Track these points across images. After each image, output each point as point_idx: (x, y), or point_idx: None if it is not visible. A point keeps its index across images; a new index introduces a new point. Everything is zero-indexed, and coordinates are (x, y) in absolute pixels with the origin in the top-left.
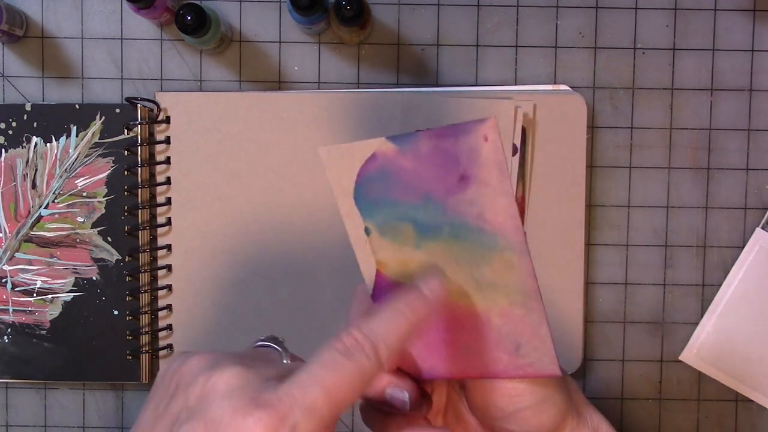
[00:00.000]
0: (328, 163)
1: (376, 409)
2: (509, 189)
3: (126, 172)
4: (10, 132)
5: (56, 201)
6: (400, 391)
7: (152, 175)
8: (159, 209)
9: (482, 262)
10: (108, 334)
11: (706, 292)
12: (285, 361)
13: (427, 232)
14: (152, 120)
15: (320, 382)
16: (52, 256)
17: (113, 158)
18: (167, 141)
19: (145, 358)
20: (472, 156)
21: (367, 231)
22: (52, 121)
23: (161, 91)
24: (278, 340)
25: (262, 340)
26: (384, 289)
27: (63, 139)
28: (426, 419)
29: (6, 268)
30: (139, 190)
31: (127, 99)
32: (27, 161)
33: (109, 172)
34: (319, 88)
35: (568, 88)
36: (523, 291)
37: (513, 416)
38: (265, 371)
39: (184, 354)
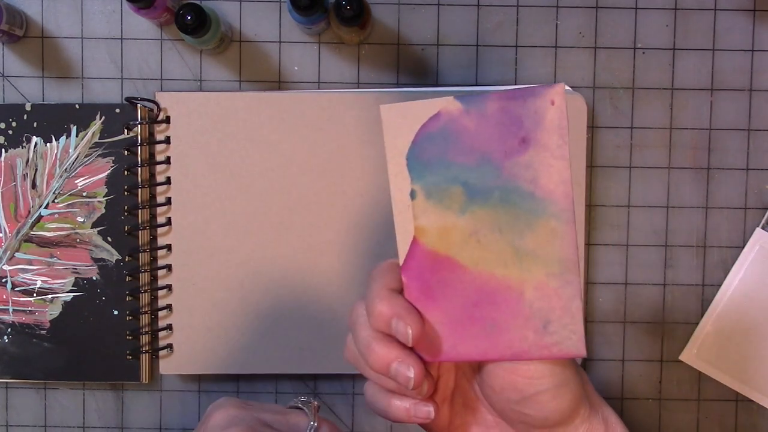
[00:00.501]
0: (387, 121)
1: (380, 387)
2: (566, 155)
3: (126, 172)
4: (10, 132)
5: (56, 201)
6: (406, 367)
7: (152, 175)
8: (159, 209)
9: (526, 229)
10: (108, 334)
11: (706, 292)
12: (312, 423)
13: (477, 195)
14: (152, 120)
15: None
16: (52, 256)
17: (113, 158)
18: (167, 141)
19: (145, 358)
20: (537, 119)
21: (412, 194)
22: (52, 121)
23: (161, 91)
24: (310, 404)
25: (300, 401)
26: (418, 258)
27: (63, 139)
28: (432, 399)
29: (6, 268)
30: (139, 190)
31: (127, 99)
32: (27, 161)
33: (109, 172)
34: (319, 88)
35: (568, 88)
36: (563, 261)
37: (531, 399)
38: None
39: (222, 401)
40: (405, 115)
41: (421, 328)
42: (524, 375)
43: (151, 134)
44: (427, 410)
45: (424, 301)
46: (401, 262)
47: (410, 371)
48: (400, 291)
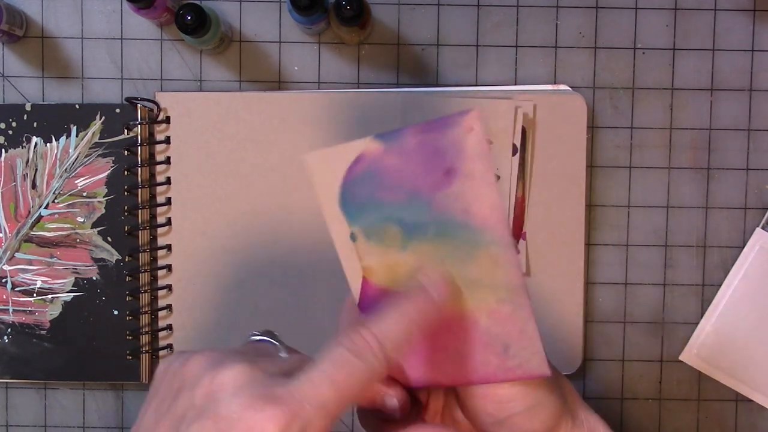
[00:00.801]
0: (314, 169)
1: (371, 412)
2: (493, 180)
3: (126, 172)
4: (10, 132)
5: (56, 201)
6: (390, 398)
7: (152, 175)
8: (159, 209)
9: (469, 260)
10: (108, 334)
11: (706, 292)
12: (282, 355)
13: (414, 231)
14: (152, 120)
15: (331, 380)
16: (52, 256)
17: (113, 158)
18: (167, 141)
19: (145, 358)
20: (457, 148)
21: (353, 237)
22: (52, 121)
23: (161, 91)
24: (273, 334)
25: (258, 334)
26: (371, 296)
27: (63, 139)
28: (422, 420)
29: (6, 268)
30: (139, 190)
31: (127, 99)
32: (27, 161)
33: (109, 172)
34: (319, 88)
35: (568, 88)
36: (510, 287)
37: (504, 422)
38: (269, 366)
39: (184, 353)
40: (329, 161)
41: (404, 397)
42: (494, 399)
43: (151, 134)
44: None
45: None
46: (356, 301)
47: (393, 401)
48: None
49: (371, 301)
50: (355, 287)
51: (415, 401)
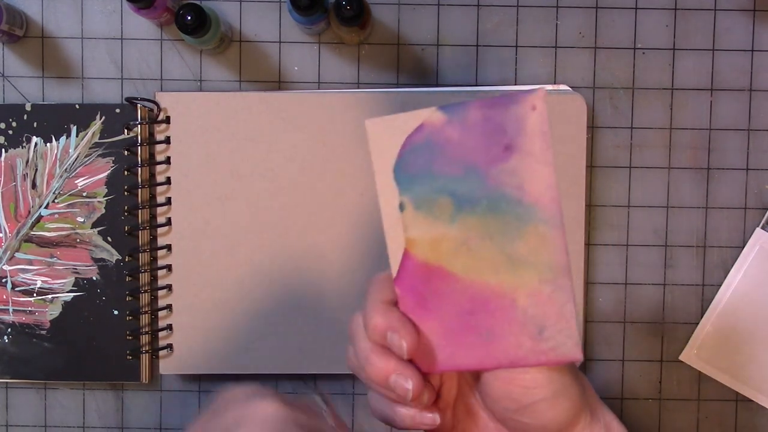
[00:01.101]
0: (372, 135)
1: (383, 397)
2: (551, 160)
3: (126, 172)
4: (10, 132)
5: (56, 201)
6: (404, 379)
7: (152, 175)
8: (159, 209)
9: (516, 237)
10: (108, 334)
11: (706, 292)
12: (325, 417)
13: (465, 204)
14: (152, 120)
15: None
16: (52, 256)
17: (113, 158)
18: (167, 141)
19: (145, 358)
20: (519, 125)
21: (401, 206)
22: (52, 121)
23: (161, 91)
24: (326, 397)
25: (313, 393)
26: (410, 270)
27: (63, 139)
28: (435, 407)
29: (6, 268)
30: (139, 190)
31: (127, 99)
32: (27, 161)
33: (109, 172)
34: (319, 88)
35: (568, 88)
36: (554, 266)
37: (529, 408)
38: (302, 416)
39: (237, 383)
40: (390, 128)
41: (415, 341)
42: (521, 384)
43: (151, 134)
44: (432, 417)
45: (418, 312)
46: (394, 274)
47: (408, 383)
48: (396, 303)
49: (410, 276)
50: (395, 260)
51: (429, 387)
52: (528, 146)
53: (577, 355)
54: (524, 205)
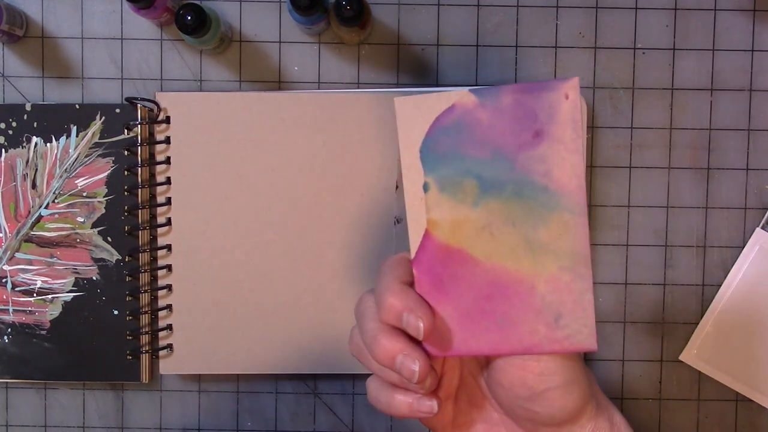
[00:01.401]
0: (401, 113)
1: (383, 381)
2: (580, 148)
3: (126, 172)
4: (10, 132)
5: (56, 201)
6: (411, 360)
7: (152, 175)
8: (159, 209)
9: (540, 223)
10: (108, 334)
11: (706, 292)
12: None
13: (490, 189)
14: (152, 120)
15: None
16: (52, 256)
17: (113, 158)
18: (167, 141)
19: (145, 358)
20: (551, 112)
21: (425, 187)
22: (52, 121)
23: (161, 91)
24: None
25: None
26: (430, 252)
27: (63, 139)
28: (435, 394)
29: (6, 268)
30: (139, 190)
31: (127, 99)
32: (27, 161)
33: (109, 172)
34: (319, 88)
35: None
36: (575, 254)
37: (540, 396)
38: None
39: None
40: (419, 108)
41: (432, 322)
42: (534, 371)
43: (151, 134)
44: (430, 404)
45: (435, 294)
46: (413, 255)
47: (415, 364)
48: (411, 284)
49: (429, 258)
50: (416, 241)
51: (432, 373)
52: (558, 134)
53: (593, 344)
54: (550, 192)
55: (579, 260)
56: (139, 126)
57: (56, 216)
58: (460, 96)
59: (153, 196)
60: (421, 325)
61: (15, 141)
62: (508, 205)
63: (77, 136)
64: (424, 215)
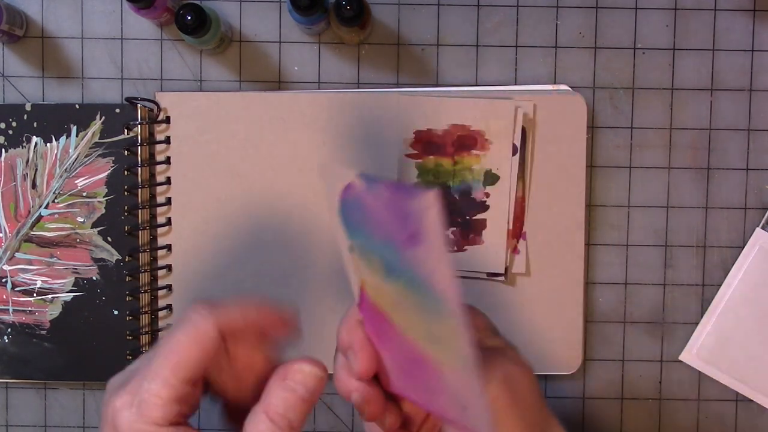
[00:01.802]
0: (324, 177)
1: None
2: (447, 257)
3: (126, 172)
4: (10, 132)
5: (56, 201)
6: (362, 399)
7: (152, 175)
8: (159, 209)
9: (435, 319)
10: (108, 334)
11: (706, 292)
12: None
13: (392, 271)
14: (152, 120)
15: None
16: (52, 256)
17: (113, 158)
18: (167, 141)
19: None
20: (419, 218)
21: (350, 249)
22: (52, 121)
23: (161, 91)
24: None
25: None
26: (366, 303)
27: (63, 139)
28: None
29: (6, 268)
30: (139, 190)
31: (127, 99)
32: (27, 161)
33: (109, 172)
34: (319, 88)
35: (568, 88)
36: (466, 359)
37: None
38: (234, 317)
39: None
40: (333, 177)
41: (368, 366)
42: None
43: (151, 134)
44: None
45: (376, 339)
46: (356, 302)
47: (392, 418)
48: None
49: (367, 308)
50: (355, 290)
51: (392, 410)
52: (429, 240)
53: None
54: (435, 294)
55: (468, 365)
56: (139, 126)
57: (56, 216)
58: (352, 176)
59: (153, 196)
60: (356, 367)
61: (15, 141)
62: (407, 293)
63: (77, 136)
64: (355, 272)
